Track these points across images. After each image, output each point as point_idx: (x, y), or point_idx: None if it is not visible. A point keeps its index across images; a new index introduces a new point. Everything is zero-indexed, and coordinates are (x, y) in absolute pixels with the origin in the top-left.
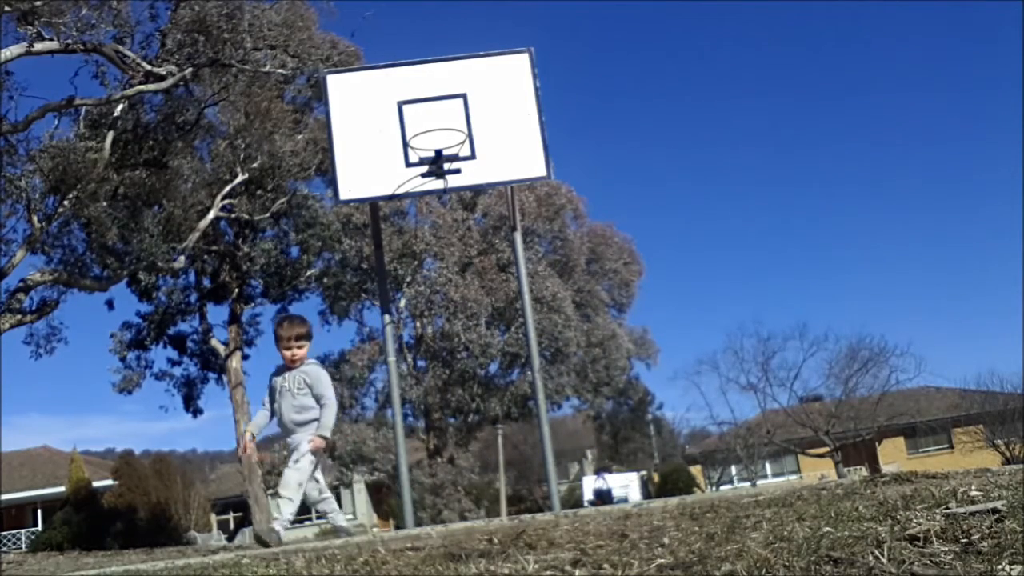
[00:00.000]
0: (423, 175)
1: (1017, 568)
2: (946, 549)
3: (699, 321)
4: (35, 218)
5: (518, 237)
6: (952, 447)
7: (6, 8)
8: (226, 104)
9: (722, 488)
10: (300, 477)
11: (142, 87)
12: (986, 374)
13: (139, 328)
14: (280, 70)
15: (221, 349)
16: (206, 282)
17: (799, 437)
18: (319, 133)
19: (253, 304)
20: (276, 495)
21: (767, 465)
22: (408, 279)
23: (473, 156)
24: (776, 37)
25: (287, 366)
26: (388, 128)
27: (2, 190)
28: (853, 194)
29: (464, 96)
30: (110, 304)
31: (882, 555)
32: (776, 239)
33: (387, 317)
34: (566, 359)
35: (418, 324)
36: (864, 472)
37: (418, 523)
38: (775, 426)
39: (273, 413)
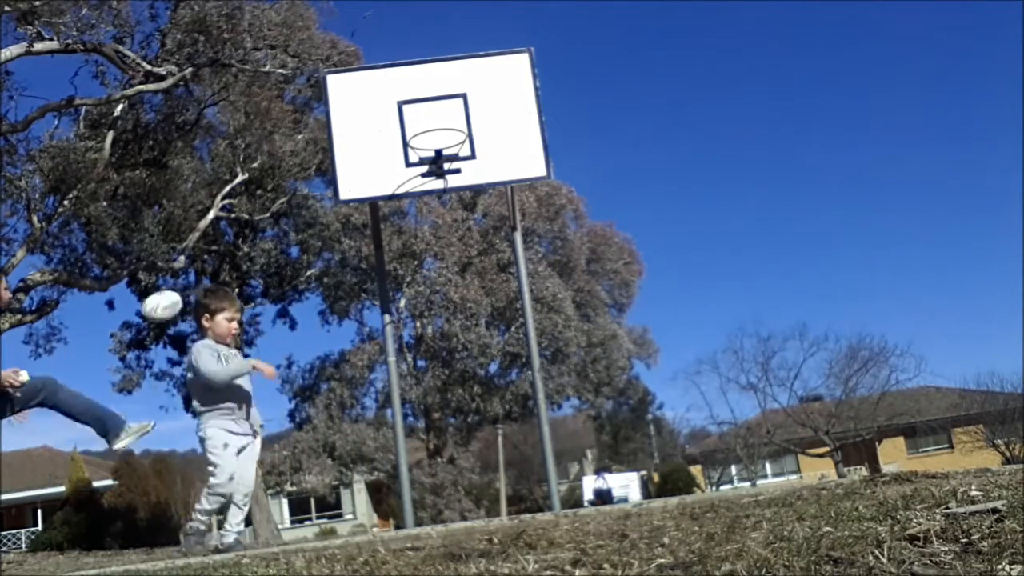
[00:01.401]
0: (423, 175)
1: (1017, 568)
2: (946, 549)
3: (699, 321)
4: (35, 218)
5: (518, 237)
6: (952, 447)
7: (6, 8)
8: (226, 104)
9: (722, 488)
10: None
11: (142, 87)
12: (986, 374)
13: (139, 328)
14: (280, 70)
15: None
16: (206, 282)
17: (799, 437)
18: (319, 133)
19: (253, 304)
20: (240, 501)
21: (767, 465)
22: (408, 279)
23: (473, 156)
24: (776, 37)
25: (218, 342)
26: (388, 128)
27: (2, 190)
28: (853, 194)
29: (464, 96)
30: (110, 304)
31: (882, 555)
32: (776, 239)
33: (387, 317)
34: (566, 359)
35: (418, 324)
36: (864, 472)
37: (418, 523)
38: (775, 426)
39: None
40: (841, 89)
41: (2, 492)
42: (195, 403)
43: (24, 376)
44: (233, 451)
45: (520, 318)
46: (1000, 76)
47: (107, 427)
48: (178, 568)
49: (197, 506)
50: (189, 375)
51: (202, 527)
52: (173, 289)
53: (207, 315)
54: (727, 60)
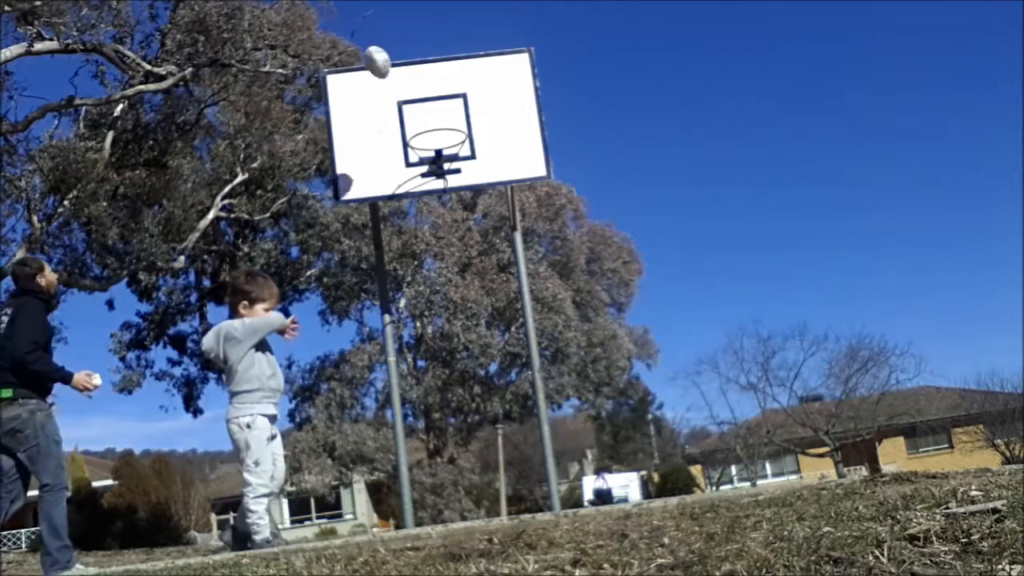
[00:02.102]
0: (423, 175)
1: (1017, 568)
2: (946, 549)
3: (699, 321)
4: (35, 218)
5: (518, 237)
6: (952, 447)
7: (6, 8)
8: (226, 104)
9: (722, 488)
10: None
11: (142, 87)
12: (986, 374)
13: (139, 328)
14: (280, 70)
15: None
16: (206, 282)
17: (799, 437)
18: (319, 133)
19: None
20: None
21: (767, 465)
22: (408, 279)
23: (473, 156)
24: (776, 37)
25: None
26: (388, 128)
27: (2, 190)
28: (853, 194)
29: (464, 96)
30: (110, 304)
31: (882, 555)
32: (776, 239)
33: (387, 317)
34: (566, 359)
35: (418, 324)
36: (864, 472)
37: (418, 523)
38: (775, 426)
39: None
40: (841, 89)
41: None
42: (235, 381)
43: (97, 380)
44: (270, 445)
45: (520, 318)
46: (1000, 76)
47: (52, 557)
48: (178, 568)
49: (251, 520)
50: (225, 349)
51: (269, 531)
52: (172, 290)
53: (245, 303)
54: (727, 60)
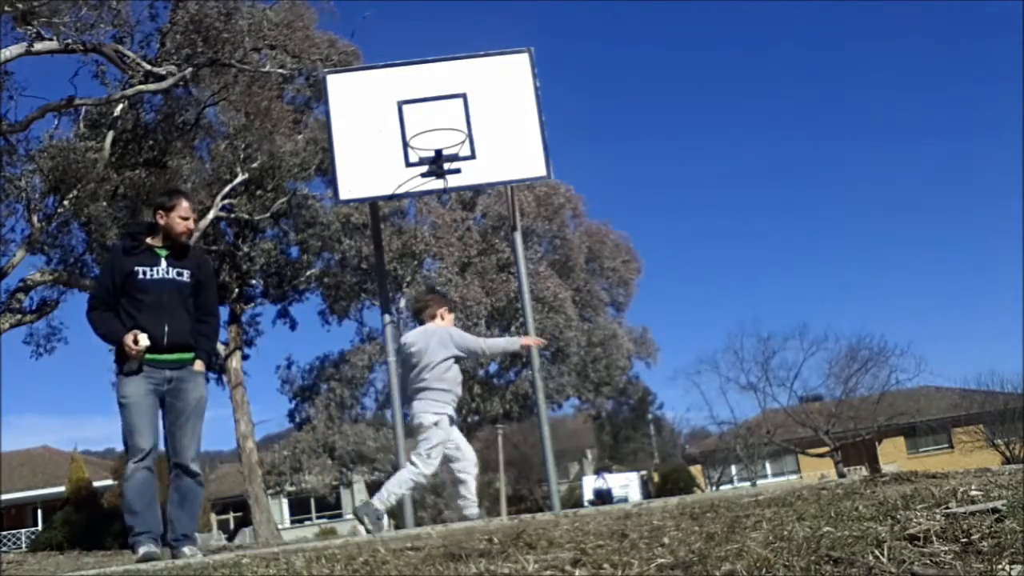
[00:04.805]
0: (423, 175)
1: (1017, 568)
2: (946, 549)
3: (699, 321)
4: (35, 218)
5: (518, 237)
6: (952, 447)
7: (6, 8)
8: (226, 104)
9: (722, 488)
10: None
11: (142, 87)
12: (986, 374)
13: None
14: (280, 70)
15: (221, 349)
16: None
17: (799, 437)
18: (319, 133)
19: (253, 304)
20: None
21: (767, 465)
22: (408, 279)
23: (473, 156)
24: (775, 37)
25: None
26: (388, 128)
27: (2, 190)
28: (853, 194)
29: (464, 96)
30: None
31: (882, 555)
32: (776, 239)
33: (387, 317)
34: (566, 359)
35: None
36: (864, 472)
37: (418, 523)
38: (775, 426)
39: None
40: (841, 88)
41: (2, 492)
42: (430, 379)
43: (144, 341)
44: (443, 449)
45: (520, 318)
46: (1000, 76)
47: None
48: (178, 568)
49: (391, 487)
50: (433, 348)
51: (383, 510)
52: None
53: (445, 309)
54: (727, 59)
